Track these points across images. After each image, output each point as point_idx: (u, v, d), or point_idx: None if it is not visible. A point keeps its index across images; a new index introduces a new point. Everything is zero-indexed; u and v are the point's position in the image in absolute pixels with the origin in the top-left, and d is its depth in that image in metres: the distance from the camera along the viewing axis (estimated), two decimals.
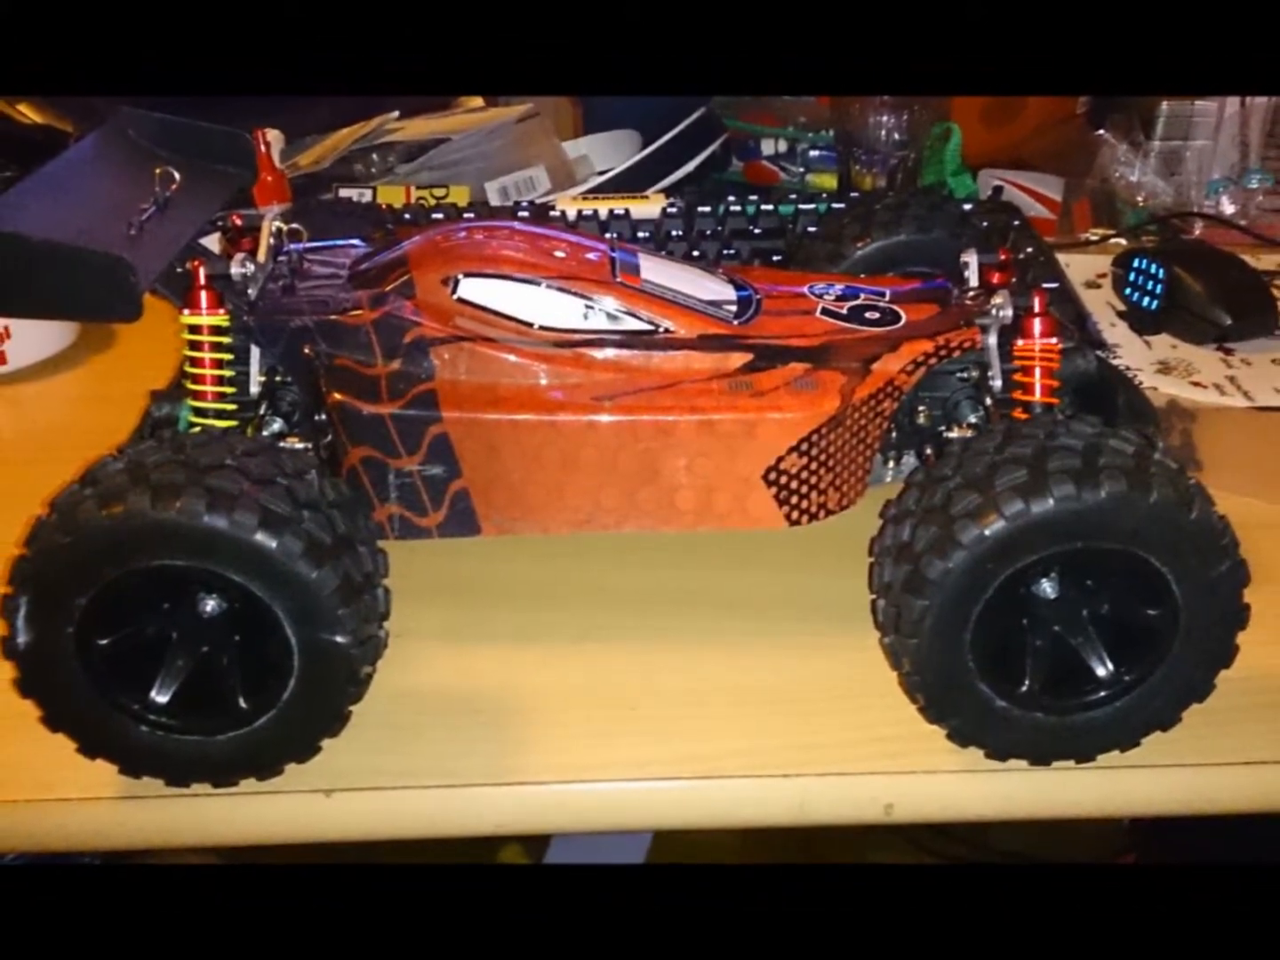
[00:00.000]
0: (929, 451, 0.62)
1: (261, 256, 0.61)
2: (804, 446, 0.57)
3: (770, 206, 0.94)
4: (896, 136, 1.11)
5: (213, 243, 0.76)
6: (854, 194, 1.07)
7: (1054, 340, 0.57)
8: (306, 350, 0.58)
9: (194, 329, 0.57)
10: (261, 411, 0.59)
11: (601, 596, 0.64)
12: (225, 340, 0.58)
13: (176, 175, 0.59)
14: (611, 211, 0.94)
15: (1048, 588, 0.52)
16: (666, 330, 0.59)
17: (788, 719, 0.57)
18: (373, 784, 0.54)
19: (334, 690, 0.51)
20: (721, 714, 0.57)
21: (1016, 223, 0.91)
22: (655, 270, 0.62)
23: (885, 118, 1.10)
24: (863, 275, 0.73)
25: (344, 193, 1.03)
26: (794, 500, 0.59)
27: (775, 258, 0.92)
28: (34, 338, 0.87)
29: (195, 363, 0.57)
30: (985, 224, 0.84)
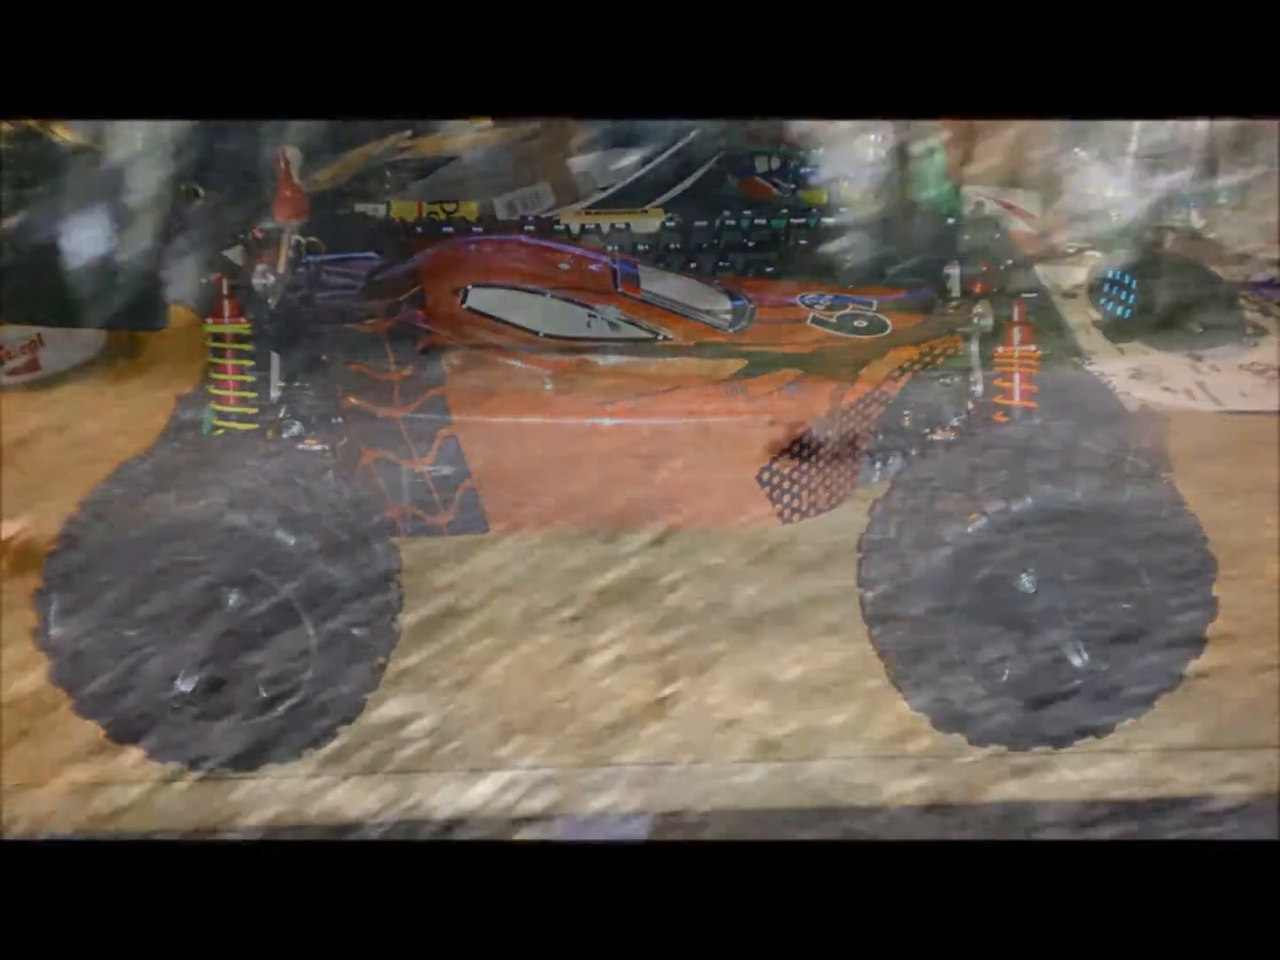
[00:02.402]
0: (914, 453, 0.62)
1: (281, 268, 0.61)
2: (795, 448, 0.57)
3: (764, 220, 0.93)
4: (884, 155, 1.11)
5: (235, 255, 0.76)
6: (843, 209, 1.07)
7: (1032, 347, 0.57)
8: (324, 357, 0.58)
9: (217, 337, 0.57)
10: (281, 415, 0.59)
11: (602, 592, 0.64)
12: (247, 347, 0.58)
13: (201, 191, 0.59)
14: (613, 225, 0.94)
15: (1026, 582, 0.52)
16: (665, 338, 0.59)
17: (780, 707, 0.57)
18: (390, 768, 0.54)
19: (350, 679, 0.51)
20: (717, 703, 0.57)
21: (997, 236, 0.91)
22: (654, 281, 0.62)
23: (873, 137, 1.10)
24: (851, 286, 0.73)
25: (359, 208, 1.03)
26: (786, 499, 0.59)
27: (768, 269, 0.92)
28: (65, 345, 0.88)
29: (218, 369, 0.58)
30: (968, 237, 0.84)
